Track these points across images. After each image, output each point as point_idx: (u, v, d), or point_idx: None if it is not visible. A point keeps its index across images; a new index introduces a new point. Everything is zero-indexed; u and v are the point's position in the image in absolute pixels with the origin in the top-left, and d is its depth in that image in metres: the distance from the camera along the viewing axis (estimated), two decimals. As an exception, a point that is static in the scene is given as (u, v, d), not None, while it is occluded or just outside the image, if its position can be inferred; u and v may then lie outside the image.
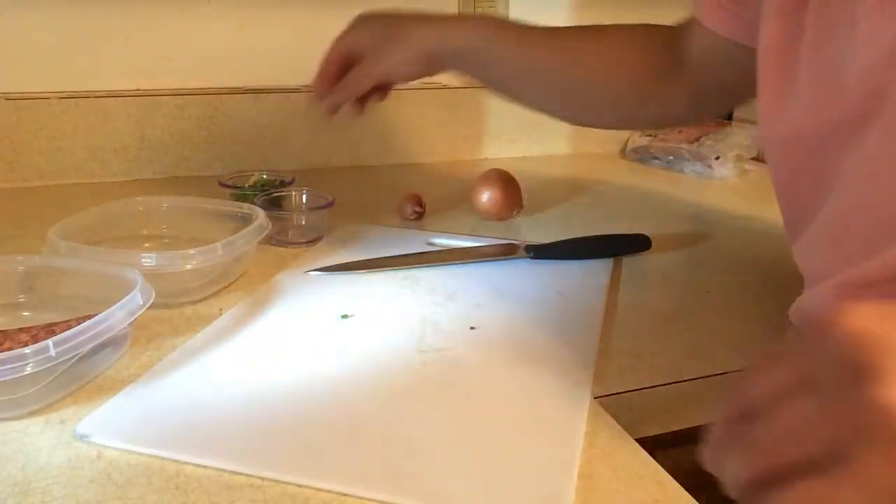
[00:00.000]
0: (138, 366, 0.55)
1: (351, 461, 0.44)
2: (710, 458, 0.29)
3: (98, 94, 1.01)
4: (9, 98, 0.98)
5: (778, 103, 0.53)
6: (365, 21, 0.73)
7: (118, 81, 1.02)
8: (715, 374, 0.57)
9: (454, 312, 0.64)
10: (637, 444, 0.47)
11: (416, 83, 1.15)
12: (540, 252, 0.76)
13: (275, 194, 0.83)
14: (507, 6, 1.16)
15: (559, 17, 1.19)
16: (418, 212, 0.89)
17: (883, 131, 0.44)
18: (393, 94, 1.15)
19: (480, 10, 1.15)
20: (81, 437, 0.46)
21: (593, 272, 0.74)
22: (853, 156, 0.47)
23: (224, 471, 0.44)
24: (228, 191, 0.88)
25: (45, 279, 0.62)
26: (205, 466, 0.44)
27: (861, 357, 0.25)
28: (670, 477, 0.44)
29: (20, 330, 0.54)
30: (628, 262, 0.77)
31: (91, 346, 0.49)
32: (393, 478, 0.43)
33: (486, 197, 0.88)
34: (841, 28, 0.47)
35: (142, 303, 0.54)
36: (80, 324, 0.49)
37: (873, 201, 0.46)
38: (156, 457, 0.45)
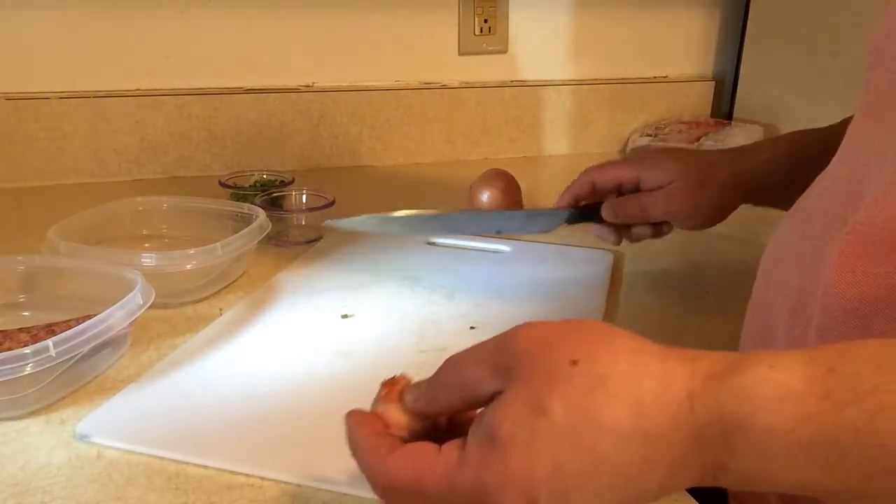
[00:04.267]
0: (138, 366, 0.55)
1: (351, 461, 0.44)
2: None
3: (98, 94, 1.01)
4: (9, 98, 0.98)
5: None
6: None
7: (118, 81, 1.02)
8: (715, 374, 0.57)
9: (454, 312, 0.64)
10: (637, 444, 0.47)
11: (414, 83, 1.16)
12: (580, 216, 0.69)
13: (275, 194, 0.83)
14: (507, 6, 1.16)
15: (559, 17, 1.19)
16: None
17: None
18: (392, 93, 1.16)
19: (480, 10, 1.15)
20: (81, 437, 0.46)
21: (593, 272, 0.74)
22: None
23: (224, 471, 0.44)
24: (228, 191, 0.88)
25: (45, 279, 0.62)
26: (205, 466, 0.44)
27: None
28: (670, 477, 0.44)
29: (20, 330, 0.54)
30: (628, 262, 0.77)
31: (91, 346, 0.49)
32: (393, 478, 0.43)
33: (486, 197, 0.88)
34: None
35: (142, 303, 0.54)
36: (80, 324, 0.49)
37: None
38: (156, 457, 0.45)
